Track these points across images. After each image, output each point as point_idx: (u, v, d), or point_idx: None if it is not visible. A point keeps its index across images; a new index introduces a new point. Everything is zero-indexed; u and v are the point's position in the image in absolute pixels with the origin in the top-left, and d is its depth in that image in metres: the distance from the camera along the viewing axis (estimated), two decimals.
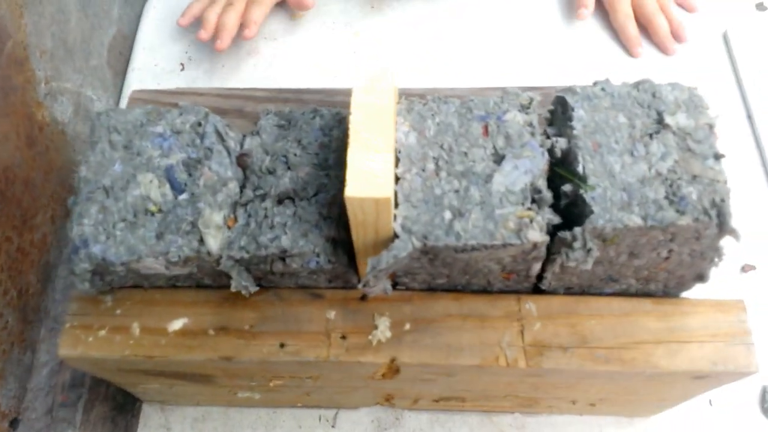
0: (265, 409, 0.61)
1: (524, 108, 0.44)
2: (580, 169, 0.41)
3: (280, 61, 0.78)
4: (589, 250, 0.39)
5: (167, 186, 0.43)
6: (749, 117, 0.74)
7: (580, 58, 0.78)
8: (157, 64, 0.78)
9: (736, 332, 0.45)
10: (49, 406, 0.52)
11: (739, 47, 0.78)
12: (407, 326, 0.45)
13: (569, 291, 0.47)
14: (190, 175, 0.43)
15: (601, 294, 0.47)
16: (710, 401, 0.59)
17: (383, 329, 0.45)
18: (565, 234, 0.40)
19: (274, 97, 0.55)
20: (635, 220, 0.39)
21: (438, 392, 0.54)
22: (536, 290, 0.47)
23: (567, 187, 0.41)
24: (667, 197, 0.39)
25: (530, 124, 0.43)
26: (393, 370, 0.46)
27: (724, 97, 0.75)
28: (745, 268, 0.64)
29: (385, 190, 0.37)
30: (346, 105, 0.52)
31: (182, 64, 0.78)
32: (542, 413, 0.59)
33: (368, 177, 0.37)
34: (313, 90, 0.56)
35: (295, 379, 0.50)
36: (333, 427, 0.60)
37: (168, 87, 0.76)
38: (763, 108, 0.74)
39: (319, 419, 0.60)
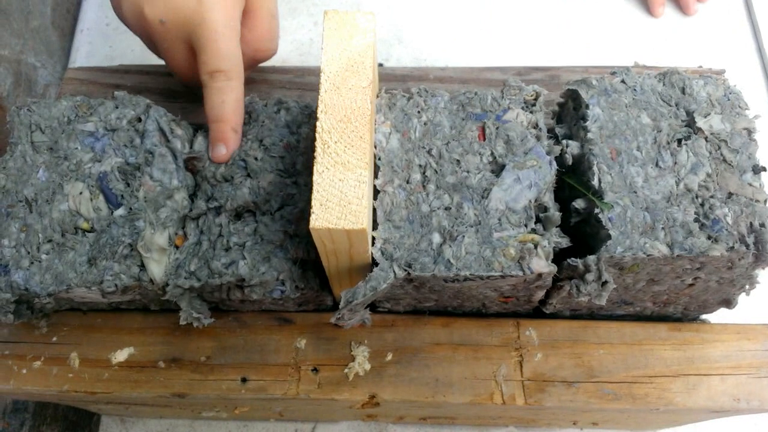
0: (235, 423, 0.55)
1: (528, 105, 0.36)
2: (595, 181, 0.34)
3: None
4: (604, 283, 0.33)
5: (101, 198, 0.36)
6: None
7: (595, 20, 0.69)
8: (109, 23, 0.69)
9: (762, 363, 0.39)
10: None
11: (760, 8, 0.70)
12: (389, 356, 0.39)
13: (575, 313, 0.41)
14: (128, 184, 0.36)
15: (611, 317, 0.41)
16: None
17: (361, 360, 0.39)
18: (576, 262, 0.33)
19: None
20: (660, 249, 0.32)
21: (425, 413, 0.49)
22: (537, 311, 0.41)
23: (579, 204, 0.35)
24: (697, 220, 0.33)
25: (535, 126, 0.36)
26: (373, 404, 0.40)
27: (743, 64, 0.68)
28: None
29: (359, 218, 0.30)
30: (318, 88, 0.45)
31: None
32: (540, 428, 0.54)
33: (338, 202, 0.30)
34: (281, 68, 0.48)
35: (262, 407, 0.45)
36: None
37: (121, 50, 0.67)
38: None
39: None
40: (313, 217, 0.29)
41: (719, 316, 0.41)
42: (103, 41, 0.69)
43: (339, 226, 0.29)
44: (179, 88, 0.47)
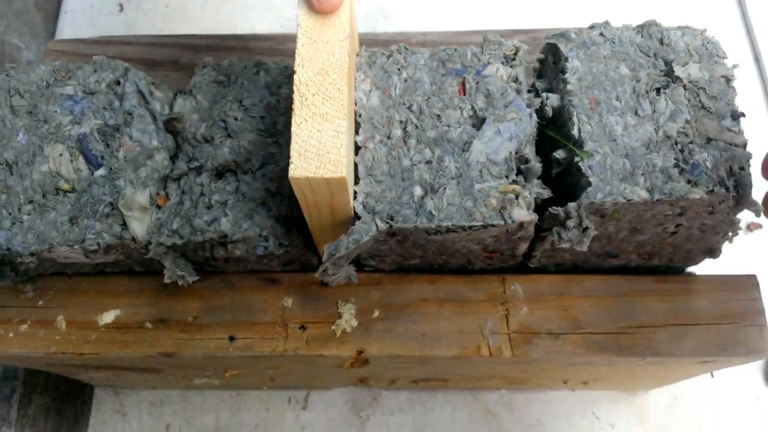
0: (229, 391, 0.56)
1: (508, 60, 0.36)
2: (575, 131, 0.34)
3: (233, 0, 0.69)
4: (585, 229, 0.33)
5: (81, 159, 0.36)
6: (756, 59, 0.67)
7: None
8: (93, 4, 0.69)
9: (748, 312, 0.39)
10: None
11: None
12: (376, 313, 0.39)
13: (561, 267, 0.41)
14: (107, 145, 0.36)
15: (597, 270, 0.41)
16: (712, 373, 0.55)
17: (348, 318, 0.39)
18: (557, 210, 0.33)
19: (216, 45, 0.46)
20: (640, 194, 0.32)
21: (416, 375, 0.49)
22: (523, 267, 0.41)
23: (559, 154, 0.35)
24: (677, 165, 0.33)
25: (515, 80, 0.36)
26: (361, 361, 0.40)
27: (726, 24, 0.68)
28: (750, 227, 0.58)
29: (338, 167, 0.30)
30: None
31: (120, 5, 0.68)
32: (531, 389, 0.55)
33: (317, 152, 0.30)
34: (262, 36, 0.48)
35: (252, 369, 0.45)
36: (304, 409, 0.55)
37: (105, 31, 0.67)
38: None
39: (289, 401, 0.56)
40: (292, 167, 0.29)
41: (705, 268, 0.41)
42: (88, 22, 0.69)
43: (318, 175, 0.29)
44: (160, 57, 0.47)
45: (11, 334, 0.39)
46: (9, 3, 0.63)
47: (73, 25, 0.68)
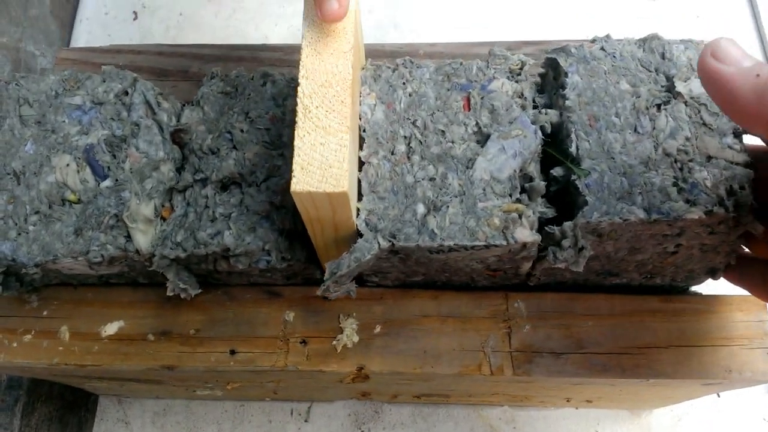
0: (232, 402, 0.56)
1: (514, 74, 0.36)
2: (572, 148, 0.34)
3: (245, 8, 0.69)
4: (581, 249, 0.33)
5: (87, 170, 0.36)
6: None
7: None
8: (108, 12, 0.70)
9: (755, 334, 0.39)
10: None
11: None
12: (377, 329, 0.39)
13: (562, 285, 0.40)
14: (114, 156, 0.36)
15: (599, 289, 0.40)
16: (718, 393, 0.54)
17: (350, 333, 0.39)
18: (553, 229, 0.33)
19: (226, 56, 0.47)
20: (637, 213, 0.32)
21: (418, 390, 0.49)
22: (527, 284, 0.41)
23: (557, 171, 0.34)
24: (675, 184, 0.33)
25: (521, 95, 0.35)
26: (362, 377, 0.40)
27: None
28: None
29: (340, 181, 0.30)
30: None
31: (135, 13, 0.69)
32: (534, 407, 0.54)
33: (320, 166, 0.30)
34: (271, 46, 0.48)
35: (254, 382, 0.45)
36: (306, 421, 0.55)
37: (120, 38, 0.67)
38: None
39: (291, 413, 0.55)
40: (294, 181, 0.29)
41: (711, 287, 0.41)
42: (102, 30, 0.70)
43: (320, 189, 0.29)
44: (170, 67, 0.47)
45: (15, 344, 0.39)
46: (25, 10, 0.64)
47: (88, 33, 0.69)
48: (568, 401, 0.51)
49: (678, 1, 0.69)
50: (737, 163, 0.32)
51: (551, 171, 0.34)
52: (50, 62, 0.68)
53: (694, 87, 0.34)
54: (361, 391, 0.51)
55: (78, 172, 0.36)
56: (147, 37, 0.69)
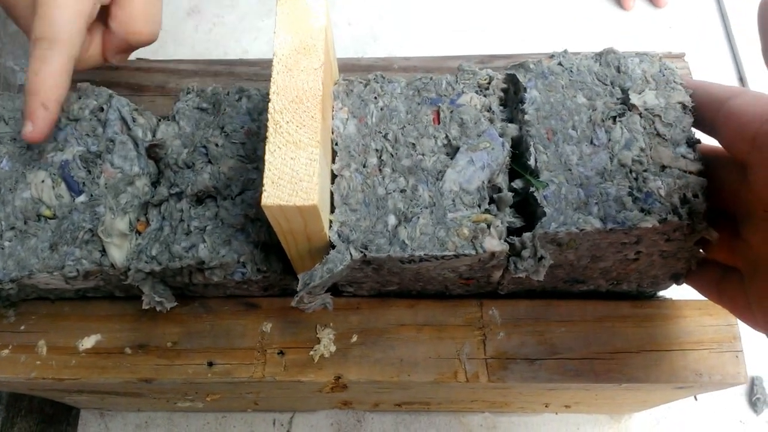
0: (213, 414, 0.56)
1: (482, 89, 0.37)
2: (531, 161, 0.35)
3: (225, 22, 0.70)
4: (540, 259, 0.33)
5: (63, 186, 0.36)
6: (741, 79, 0.68)
7: (565, 11, 0.70)
8: None
9: (724, 338, 0.40)
10: None
11: (731, 2, 0.71)
12: (354, 338, 0.40)
13: (533, 293, 0.41)
14: (89, 172, 0.37)
15: (571, 296, 0.41)
16: (695, 396, 0.55)
17: (327, 343, 0.39)
18: (513, 240, 0.34)
19: (203, 71, 0.47)
20: (593, 223, 0.33)
21: (398, 398, 0.49)
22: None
23: (517, 184, 0.35)
24: (631, 193, 0.33)
25: (489, 109, 0.36)
26: (340, 386, 0.41)
27: (714, 57, 0.68)
28: None
29: (310, 195, 0.30)
30: None
31: None
32: (514, 413, 0.55)
33: (290, 180, 0.31)
34: (248, 61, 0.48)
35: (233, 393, 0.45)
36: (288, 431, 0.55)
37: None
38: (755, 68, 0.67)
39: (274, 423, 0.56)
40: (264, 195, 0.30)
41: (681, 293, 0.41)
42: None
43: (290, 203, 0.30)
44: (147, 82, 0.48)
45: None
46: (3, 26, 0.64)
47: None
48: (546, 407, 0.51)
49: (650, 12, 0.71)
50: (690, 172, 0.33)
51: (512, 183, 0.35)
52: None
53: (648, 99, 0.35)
54: (342, 401, 0.51)
55: (53, 188, 0.36)
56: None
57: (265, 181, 0.30)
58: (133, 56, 0.68)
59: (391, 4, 0.72)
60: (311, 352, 0.39)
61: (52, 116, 0.35)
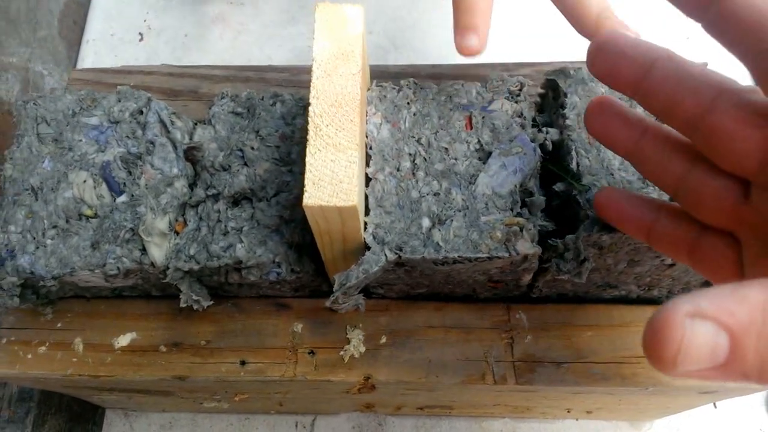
0: (237, 415, 0.56)
1: (513, 95, 0.38)
2: (573, 165, 0.35)
3: (250, 30, 0.71)
4: (582, 261, 0.34)
5: (104, 186, 0.37)
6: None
7: None
8: (114, 33, 0.71)
9: None
10: None
11: None
12: (383, 339, 0.40)
13: (564, 297, 0.42)
14: (129, 173, 0.38)
15: (599, 300, 0.42)
16: (715, 404, 0.55)
17: (356, 343, 0.40)
18: (556, 242, 0.34)
19: (234, 76, 0.48)
20: None
21: (422, 401, 0.50)
22: (528, 296, 0.42)
23: (559, 187, 0.36)
24: (672, 200, 0.34)
25: (520, 115, 0.37)
26: (369, 386, 0.41)
27: (733, 66, 0.69)
28: None
29: (350, 196, 0.31)
30: None
31: (141, 34, 0.71)
32: (535, 418, 0.55)
33: (330, 181, 0.31)
34: (278, 67, 0.49)
35: (262, 393, 0.46)
36: None
37: (126, 59, 0.69)
38: None
39: (296, 426, 0.56)
40: (306, 195, 0.31)
41: None
42: (109, 51, 0.72)
43: (331, 204, 0.31)
44: (180, 87, 0.49)
45: (30, 356, 0.40)
46: (34, 32, 0.66)
47: (94, 53, 0.70)
48: (568, 412, 0.52)
49: (667, 22, 0.71)
50: None
51: (553, 186, 0.36)
52: (57, 81, 0.69)
53: None
54: (366, 403, 0.52)
55: (95, 188, 0.37)
56: (152, 57, 0.70)
57: (306, 182, 0.31)
58: (157, 62, 0.70)
59: (410, 13, 0.73)
60: (341, 353, 0.40)
61: (488, 28, 0.37)
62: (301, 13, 0.74)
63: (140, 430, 0.56)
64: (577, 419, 0.55)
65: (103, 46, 0.71)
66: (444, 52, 0.70)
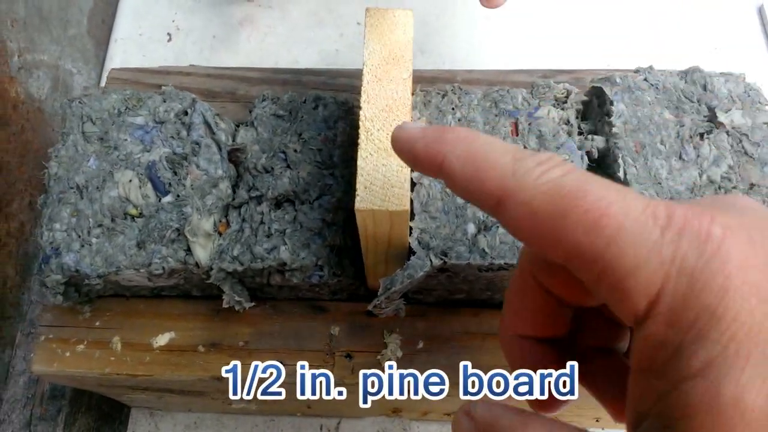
0: (262, 417, 0.56)
1: (559, 102, 0.38)
2: (620, 173, 0.35)
3: (277, 33, 0.71)
4: None
5: (149, 186, 0.38)
6: None
7: (606, 31, 0.71)
8: (142, 33, 0.72)
9: None
10: (26, 419, 0.48)
11: None
12: (420, 344, 0.40)
13: None
14: (175, 173, 0.38)
15: None
16: None
17: (393, 348, 0.40)
18: None
19: (270, 79, 0.49)
20: None
21: (450, 407, 0.50)
22: None
23: None
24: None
25: (567, 122, 0.37)
26: None
27: (762, 78, 0.69)
28: None
29: (402, 201, 0.31)
30: (350, 89, 0.46)
31: (169, 34, 0.71)
32: None
33: (382, 185, 0.31)
34: (314, 71, 0.50)
35: (293, 395, 0.46)
36: None
37: (154, 59, 0.69)
38: None
39: (321, 429, 0.56)
40: (357, 199, 0.31)
41: None
42: (137, 50, 0.72)
43: (383, 208, 0.31)
44: (218, 88, 0.49)
45: (68, 354, 0.40)
46: (64, 30, 0.66)
47: (123, 53, 0.71)
48: (597, 421, 0.51)
49: (695, 32, 0.72)
50: None
51: None
52: (86, 80, 0.70)
53: (735, 118, 0.36)
54: (393, 408, 0.52)
55: (140, 187, 0.37)
56: (180, 58, 0.70)
57: (357, 186, 0.31)
58: (185, 62, 0.70)
59: (438, 19, 0.73)
60: (378, 357, 0.40)
61: None
62: (328, 16, 0.74)
63: (165, 429, 0.56)
64: (603, 429, 0.54)
65: (132, 46, 0.72)
66: (471, 57, 0.70)
